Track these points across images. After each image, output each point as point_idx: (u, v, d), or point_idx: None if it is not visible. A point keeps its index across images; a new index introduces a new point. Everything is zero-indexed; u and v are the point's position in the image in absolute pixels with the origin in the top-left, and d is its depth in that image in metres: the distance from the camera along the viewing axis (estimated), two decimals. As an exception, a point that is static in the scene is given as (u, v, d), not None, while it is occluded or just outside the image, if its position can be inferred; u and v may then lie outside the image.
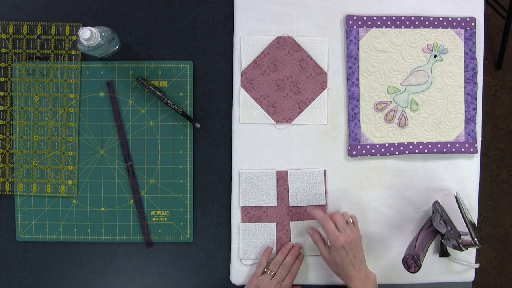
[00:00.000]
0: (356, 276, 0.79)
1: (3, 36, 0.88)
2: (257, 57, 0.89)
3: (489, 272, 1.81)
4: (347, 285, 0.80)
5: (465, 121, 0.90)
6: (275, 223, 0.89)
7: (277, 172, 0.89)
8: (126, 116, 0.89)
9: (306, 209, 0.87)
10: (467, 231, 0.80)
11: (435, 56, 0.89)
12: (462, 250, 0.81)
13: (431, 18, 0.89)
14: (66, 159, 0.89)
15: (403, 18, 0.89)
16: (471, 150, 0.90)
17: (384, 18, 0.88)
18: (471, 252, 0.92)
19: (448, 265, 0.91)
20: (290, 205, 0.89)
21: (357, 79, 0.89)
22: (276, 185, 0.89)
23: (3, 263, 0.90)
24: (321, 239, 0.85)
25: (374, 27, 0.88)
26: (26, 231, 0.89)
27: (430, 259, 0.91)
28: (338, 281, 0.88)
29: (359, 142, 0.89)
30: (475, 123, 0.91)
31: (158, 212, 0.90)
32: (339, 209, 0.90)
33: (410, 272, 0.83)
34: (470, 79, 0.90)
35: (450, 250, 0.90)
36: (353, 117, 0.89)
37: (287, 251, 0.87)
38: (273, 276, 0.84)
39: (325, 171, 0.90)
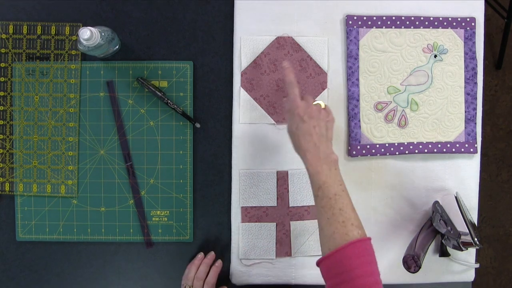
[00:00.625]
0: (311, 150, 0.70)
1: (3, 36, 0.88)
2: (257, 57, 0.89)
3: (489, 272, 1.81)
4: (302, 159, 0.72)
5: (465, 121, 0.90)
6: (275, 223, 0.89)
7: (277, 172, 0.89)
8: (126, 116, 0.89)
9: (282, 63, 0.79)
10: (467, 231, 0.80)
11: (435, 56, 0.89)
12: (462, 250, 0.81)
13: (431, 18, 0.89)
14: (66, 159, 0.89)
15: (403, 18, 0.89)
16: (471, 150, 0.90)
17: (384, 18, 0.88)
18: (471, 252, 0.92)
19: (448, 265, 0.91)
20: (290, 205, 0.89)
21: (357, 79, 0.89)
22: (276, 185, 0.89)
23: (3, 263, 0.90)
24: (296, 85, 0.75)
25: (374, 27, 0.88)
26: (26, 231, 0.89)
27: (430, 259, 0.91)
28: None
29: (359, 142, 0.89)
30: (475, 123, 0.91)
31: (158, 212, 0.90)
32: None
33: (410, 272, 0.83)
34: (470, 79, 0.90)
35: (450, 250, 0.90)
36: (353, 117, 0.89)
37: (198, 262, 0.86)
38: None
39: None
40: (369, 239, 0.67)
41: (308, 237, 0.89)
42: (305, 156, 0.71)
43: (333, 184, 0.69)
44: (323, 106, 0.77)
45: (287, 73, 0.76)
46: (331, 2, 0.89)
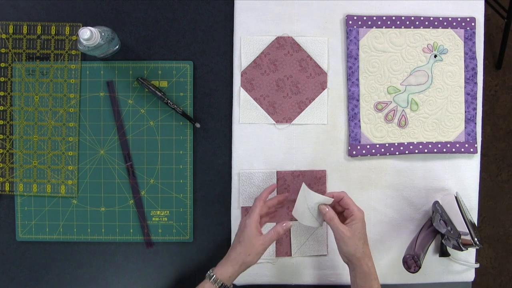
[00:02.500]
0: (371, 257, 0.78)
1: (3, 36, 0.88)
2: (257, 57, 0.89)
3: (489, 272, 1.81)
4: (363, 263, 0.77)
5: (465, 121, 0.90)
6: (275, 223, 0.89)
7: (277, 172, 0.89)
8: (126, 116, 0.89)
9: (333, 194, 0.81)
10: (467, 231, 0.80)
11: (435, 56, 0.89)
12: (462, 250, 0.81)
13: (431, 18, 0.89)
14: (66, 159, 0.89)
15: (403, 18, 0.89)
16: (471, 150, 0.90)
17: (384, 18, 0.88)
18: (471, 252, 0.92)
19: (448, 265, 0.91)
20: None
21: (357, 79, 0.89)
22: (276, 185, 0.88)
23: (3, 263, 0.90)
24: (336, 216, 0.78)
25: (374, 27, 0.88)
26: (26, 231, 0.89)
27: (430, 259, 0.91)
28: (338, 281, 0.88)
29: (359, 142, 0.89)
30: (475, 123, 0.91)
31: (158, 212, 0.90)
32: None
33: (410, 272, 0.83)
34: (470, 79, 0.90)
35: (450, 250, 0.90)
36: (353, 117, 0.89)
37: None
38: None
39: (325, 171, 0.90)
40: None
41: (308, 237, 0.89)
42: (370, 261, 0.78)
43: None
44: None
45: (334, 192, 0.81)
46: (331, 2, 0.89)
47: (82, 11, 0.88)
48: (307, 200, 0.78)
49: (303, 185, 0.79)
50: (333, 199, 0.79)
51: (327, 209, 0.78)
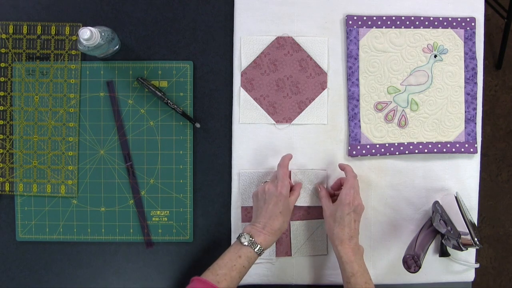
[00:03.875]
0: (346, 241, 0.79)
1: (3, 36, 0.88)
2: (257, 57, 0.89)
3: (489, 272, 1.81)
4: (335, 247, 0.79)
5: (465, 121, 0.90)
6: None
7: (277, 172, 0.89)
8: (126, 116, 0.89)
9: (338, 164, 0.87)
10: (467, 231, 0.80)
11: (435, 56, 0.89)
12: (462, 250, 0.81)
13: (431, 18, 0.89)
14: (66, 159, 0.89)
15: (403, 18, 0.89)
16: (471, 150, 0.90)
17: (384, 18, 0.88)
18: (471, 252, 0.92)
19: (448, 265, 0.91)
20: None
21: (357, 79, 0.89)
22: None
23: (3, 263, 0.90)
24: (327, 195, 0.85)
25: (374, 27, 0.88)
26: (26, 231, 0.89)
27: (430, 259, 0.91)
28: (338, 281, 0.88)
29: (359, 142, 0.89)
30: (475, 123, 0.91)
31: (158, 212, 0.90)
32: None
33: (410, 272, 0.83)
34: (470, 79, 0.90)
35: (450, 250, 0.90)
36: (353, 117, 0.89)
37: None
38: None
39: (325, 171, 0.90)
40: None
41: (308, 237, 0.89)
42: (340, 244, 0.79)
43: (363, 273, 0.78)
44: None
45: (346, 168, 0.84)
46: (331, 2, 0.89)
47: (82, 11, 0.88)
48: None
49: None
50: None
51: (319, 188, 0.86)
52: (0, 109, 0.88)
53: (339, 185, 0.87)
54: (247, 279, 0.89)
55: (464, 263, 0.90)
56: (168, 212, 0.90)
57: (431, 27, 0.89)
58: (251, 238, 0.76)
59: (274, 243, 0.89)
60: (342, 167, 0.86)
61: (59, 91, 0.88)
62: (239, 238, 0.77)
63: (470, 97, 0.90)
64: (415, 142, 0.90)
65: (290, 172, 0.87)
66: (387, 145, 0.89)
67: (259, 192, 0.82)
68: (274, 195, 0.79)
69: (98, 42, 0.76)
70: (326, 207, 0.83)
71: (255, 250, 0.76)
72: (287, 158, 0.84)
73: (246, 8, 0.88)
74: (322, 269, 0.90)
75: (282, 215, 0.79)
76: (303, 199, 0.89)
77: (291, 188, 0.84)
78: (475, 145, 0.90)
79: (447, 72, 0.90)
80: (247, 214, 0.89)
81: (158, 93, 0.87)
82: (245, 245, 0.76)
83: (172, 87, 0.89)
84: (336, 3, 0.89)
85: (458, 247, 0.81)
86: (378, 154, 0.89)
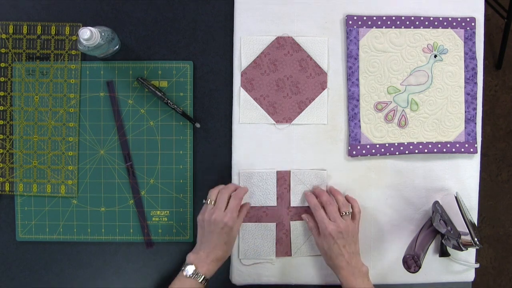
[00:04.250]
0: (344, 267, 0.79)
1: (3, 36, 0.88)
2: (257, 57, 0.89)
3: (489, 272, 1.81)
4: (337, 275, 0.81)
5: (465, 121, 0.90)
6: (275, 223, 0.89)
7: (277, 172, 0.89)
8: (126, 116, 0.89)
9: (304, 192, 0.88)
10: (467, 231, 0.80)
11: (435, 56, 0.89)
12: (462, 250, 0.81)
13: (431, 18, 0.89)
14: (66, 159, 0.89)
15: (403, 18, 0.89)
16: (471, 150, 0.90)
17: (384, 18, 0.88)
18: (471, 252, 0.92)
19: (448, 265, 0.91)
20: (290, 205, 0.89)
21: (357, 79, 0.89)
22: (276, 185, 0.89)
23: (3, 263, 0.90)
24: (316, 226, 0.84)
25: (374, 27, 0.88)
26: (26, 231, 0.89)
27: (430, 259, 0.91)
28: (338, 281, 0.88)
29: (359, 142, 0.89)
30: (475, 123, 0.91)
31: (158, 212, 0.90)
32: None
33: (410, 272, 0.83)
34: (470, 79, 0.90)
35: (450, 250, 0.90)
36: (353, 117, 0.89)
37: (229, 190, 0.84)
38: (214, 204, 0.81)
39: (325, 171, 0.90)
40: None
41: (308, 237, 0.89)
42: (339, 273, 0.80)
43: None
44: (349, 211, 0.84)
45: (308, 200, 0.85)
46: (331, 2, 0.89)
47: (82, 11, 0.88)
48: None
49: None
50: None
51: (307, 219, 0.86)
52: (0, 109, 0.88)
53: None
54: (247, 279, 0.89)
55: (464, 263, 0.90)
56: (168, 212, 0.90)
57: (431, 27, 0.89)
58: (195, 269, 0.77)
59: (274, 244, 0.89)
60: (306, 198, 0.86)
61: (59, 91, 0.88)
62: (183, 270, 0.78)
63: (470, 97, 0.90)
64: (415, 142, 0.90)
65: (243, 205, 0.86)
66: (387, 145, 0.89)
67: (205, 220, 0.79)
68: (219, 227, 0.79)
69: (98, 42, 0.76)
70: (317, 240, 0.84)
71: (199, 281, 0.77)
72: (242, 191, 0.84)
73: (246, 8, 0.88)
74: (322, 269, 0.90)
75: (226, 245, 0.80)
76: (303, 200, 0.89)
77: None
78: (475, 145, 0.90)
79: (447, 72, 0.90)
80: (247, 214, 0.89)
81: (158, 93, 0.87)
82: (189, 277, 0.77)
83: (172, 87, 0.89)
84: (336, 3, 0.89)
85: (458, 247, 0.81)
86: (378, 154, 0.89)
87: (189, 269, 0.77)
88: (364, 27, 0.88)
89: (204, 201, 0.83)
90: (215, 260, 0.79)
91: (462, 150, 0.90)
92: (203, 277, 0.77)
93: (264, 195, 0.88)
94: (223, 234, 0.79)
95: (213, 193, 0.82)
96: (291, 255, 0.90)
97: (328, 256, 0.81)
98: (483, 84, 0.91)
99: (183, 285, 0.77)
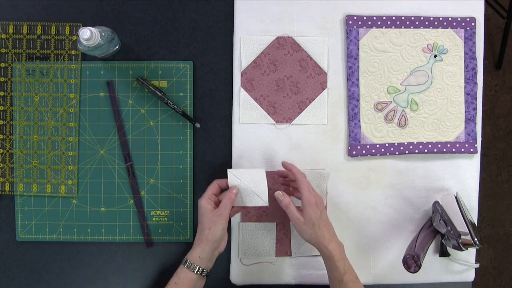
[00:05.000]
0: (332, 239, 0.78)
1: (3, 36, 0.88)
2: (257, 57, 0.89)
3: (489, 272, 1.81)
4: (324, 247, 0.77)
5: (465, 121, 0.90)
6: (275, 223, 0.89)
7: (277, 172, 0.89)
8: (126, 116, 0.89)
9: (282, 162, 0.84)
10: (467, 231, 0.80)
11: (435, 56, 0.89)
12: (462, 250, 0.81)
13: (431, 18, 0.89)
14: (66, 159, 0.89)
15: (403, 18, 0.89)
16: (471, 150, 0.90)
17: (384, 18, 0.88)
18: (471, 252, 0.92)
19: (448, 265, 0.91)
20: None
21: (357, 79, 0.89)
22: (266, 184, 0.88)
23: (3, 263, 0.90)
24: (292, 202, 0.80)
25: (374, 27, 0.88)
26: (26, 231, 0.89)
27: (430, 259, 0.91)
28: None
29: (359, 142, 0.89)
30: (475, 123, 0.91)
31: (158, 212, 0.90)
32: (339, 209, 0.90)
33: (410, 272, 0.83)
34: (470, 79, 0.90)
35: (450, 250, 0.90)
36: (353, 117, 0.89)
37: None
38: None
39: (325, 171, 0.90)
40: None
41: (308, 237, 0.89)
42: (329, 245, 0.77)
43: (352, 268, 0.79)
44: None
45: (292, 167, 0.82)
46: (331, 2, 0.89)
47: (82, 11, 0.88)
48: (245, 180, 0.81)
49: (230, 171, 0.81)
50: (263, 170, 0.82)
51: (282, 197, 0.79)
52: (0, 109, 0.88)
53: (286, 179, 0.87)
54: (247, 279, 0.89)
55: (464, 263, 0.90)
56: (168, 212, 0.90)
57: (431, 27, 0.89)
58: (188, 261, 0.79)
59: (274, 243, 0.89)
60: (288, 167, 0.83)
61: (59, 91, 0.88)
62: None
63: (470, 97, 0.90)
64: (415, 142, 0.90)
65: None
66: (387, 145, 0.89)
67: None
68: (200, 207, 0.80)
69: (98, 42, 0.76)
70: (297, 214, 0.78)
71: (186, 267, 0.78)
72: (236, 192, 0.80)
73: (246, 8, 0.88)
74: (322, 269, 0.90)
75: (201, 225, 0.79)
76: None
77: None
78: (475, 145, 0.90)
79: (447, 72, 0.90)
80: (247, 214, 0.89)
81: (158, 93, 0.87)
82: (182, 265, 0.79)
83: (172, 87, 0.89)
84: (336, 3, 0.89)
85: (458, 247, 0.81)
86: (378, 154, 0.89)
87: (184, 261, 0.79)
88: (364, 27, 0.88)
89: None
90: (196, 242, 0.79)
91: (462, 150, 0.90)
92: (187, 261, 0.78)
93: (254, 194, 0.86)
94: (199, 215, 0.80)
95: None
96: (291, 255, 0.90)
97: (317, 226, 0.77)
98: (483, 84, 0.91)
99: (178, 274, 0.78)
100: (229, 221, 0.90)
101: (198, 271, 0.77)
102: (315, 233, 0.78)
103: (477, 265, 0.91)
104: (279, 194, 0.80)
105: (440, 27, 0.89)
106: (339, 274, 0.77)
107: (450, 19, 0.89)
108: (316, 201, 0.78)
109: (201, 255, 0.78)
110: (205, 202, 0.79)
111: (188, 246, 0.90)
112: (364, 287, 0.79)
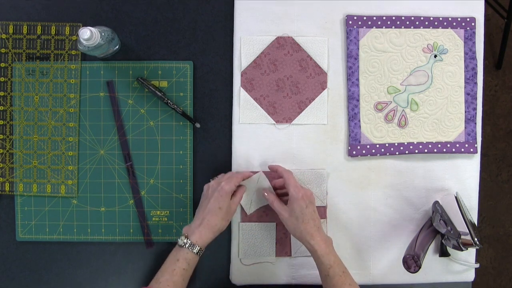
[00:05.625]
0: (317, 234, 0.78)
1: (3, 36, 0.88)
2: (257, 57, 0.89)
3: (489, 272, 1.81)
4: (307, 242, 0.78)
5: (465, 121, 0.90)
6: (275, 223, 0.89)
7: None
8: (126, 116, 0.89)
9: (268, 166, 0.87)
10: (467, 231, 0.80)
11: (435, 56, 0.89)
12: (462, 250, 0.81)
13: (431, 18, 0.89)
14: (66, 159, 0.89)
15: (403, 18, 0.89)
16: (471, 150, 0.90)
17: (384, 18, 0.88)
18: (471, 252, 0.92)
19: (448, 265, 0.91)
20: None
21: (357, 79, 0.89)
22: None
23: (3, 263, 0.90)
24: (277, 199, 0.83)
25: (374, 27, 0.88)
26: (26, 231, 0.89)
27: (430, 259, 0.91)
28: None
29: (359, 142, 0.89)
30: (475, 123, 0.91)
31: (158, 212, 0.90)
32: (339, 209, 0.90)
33: (410, 272, 0.83)
34: (470, 79, 0.90)
35: (450, 250, 0.90)
36: (353, 117, 0.89)
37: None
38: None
39: (325, 171, 0.90)
40: None
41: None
42: (312, 239, 0.77)
43: (339, 262, 0.78)
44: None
45: (278, 168, 0.84)
46: (331, 2, 0.89)
47: (82, 11, 0.88)
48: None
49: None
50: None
51: (266, 194, 0.83)
52: (0, 109, 0.88)
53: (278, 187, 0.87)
54: (247, 279, 0.89)
55: (464, 263, 0.90)
56: (168, 212, 0.90)
57: (431, 27, 0.89)
58: (186, 239, 0.77)
59: (274, 244, 0.89)
60: (273, 169, 0.85)
61: (59, 91, 0.88)
62: (177, 241, 0.78)
63: (470, 97, 0.90)
64: (415, 142, 0.90)
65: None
66: (387, 145, 0.89)
67: (203, 191, 0.83)
68: (216, 190, 0.79)
69: (98, 42, 0.76)
70: (282, 209, 0.81)
71: (193, 251, 0.76)
72: (248, 174, 0.85)
73: (246, 8, 0.88)
74: (322, 269, 0.90)
75: (221, 211, 0.78)
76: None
77: (235, 192, 0.82)
78: (475, 145, 0.90)
79: (447, 72, 0.90)
80: (247, 214, 0.89)
81: (158, 93, 0.87)
82: (181, 246, 0.77)
83: (172, 87, 0.89)
84: (336, 3, 0.89)
85: (458, 247, 0.81)
86: (378, 154, 0.89)
87: (182, 239, 0.78)
88: (364, 27, 0.88)
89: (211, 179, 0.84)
90: (208, 226, 0.78)
91: (462, 150, 0.90)
92: (194, 246, 0.77)
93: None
94: (218, 199, 0.79)
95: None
96: (291, 255, 0.90)
97: (301, 220, 0.78)
98: (483, 84, 0.91)
99: (177, 255, 0.77)
100: (229, 222, 0.90)
101: (193, 249, 0.77)
102: (299, 227, 0.78)
103: (477, 265, 0.91)
104: (264, 193, 0.84)
105: (440, 27, 0.89)
106: (325, 269, 0.76)
107: (450, 19, 0.89)
108: (303, 195, 0.78)
109: (209, 241, 0.79)
110: (230, 189, 0.79)
111: (188, 246, 0.90)
112: (353, 281, 0.77)
